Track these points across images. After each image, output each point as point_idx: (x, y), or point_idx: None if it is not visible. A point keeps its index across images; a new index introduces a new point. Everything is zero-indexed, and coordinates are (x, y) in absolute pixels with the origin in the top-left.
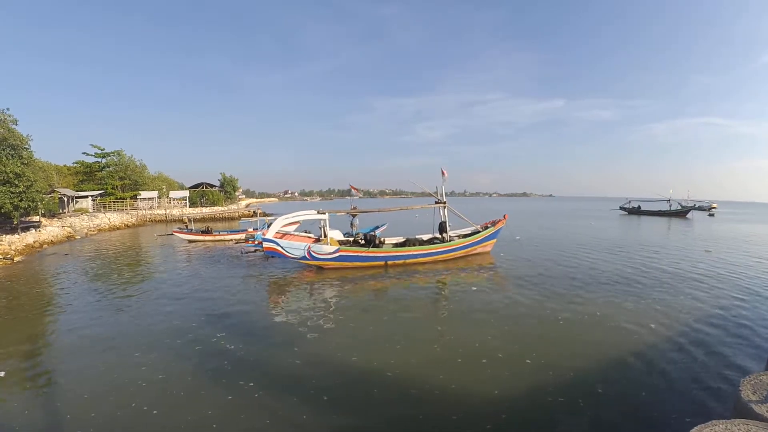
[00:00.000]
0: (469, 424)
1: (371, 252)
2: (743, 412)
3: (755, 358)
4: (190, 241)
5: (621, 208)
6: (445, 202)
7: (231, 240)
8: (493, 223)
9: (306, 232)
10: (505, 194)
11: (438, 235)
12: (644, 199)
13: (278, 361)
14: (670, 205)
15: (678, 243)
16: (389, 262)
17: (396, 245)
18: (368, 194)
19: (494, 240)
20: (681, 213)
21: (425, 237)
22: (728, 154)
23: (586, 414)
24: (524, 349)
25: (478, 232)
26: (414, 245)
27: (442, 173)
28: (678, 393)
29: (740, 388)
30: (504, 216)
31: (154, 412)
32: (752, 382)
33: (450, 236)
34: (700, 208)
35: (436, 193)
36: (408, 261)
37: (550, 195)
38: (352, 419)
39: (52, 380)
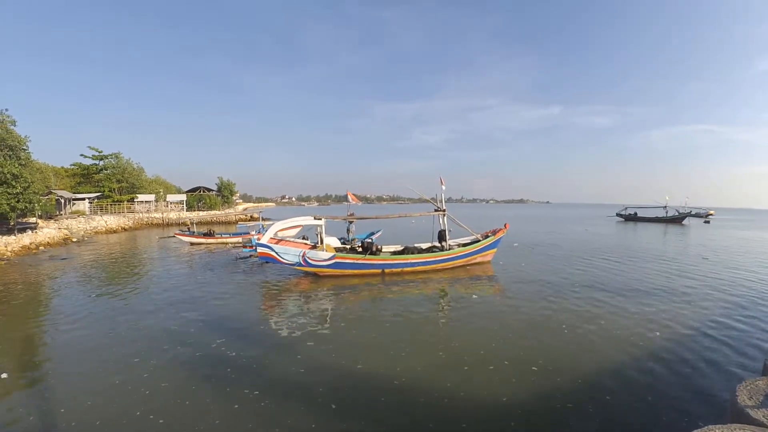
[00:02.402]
0: (481, 431)
1: (368, 259)
2: (739, 417)
3: (751, 363)
4: (192, 244)
5: (618, 214)
6: (444, 210)
7: (232, 243)
8: (494, 232)
9: (304, 238)
10: (503, 200)
11: (437, 244)
12: (641, 205)
13: (281, 369)
14: (667, 212)
15: (675, 250)
16: (386, 270)
17: (394, 253)
18: (365, 200)
19: (495, 249)
20: (677, 219)
21: (424, 245)
22: (725, 161)
23: (596, 420)
24: (530, 356)
25: (479, 241)
26: (412, 253)
27: (441, 182)
28: (677, 398)
29: (736, 394)
30: (505, 225)
31: (161, 420)
32: (748, 387)
33: (449, 245)
34: (697, 215)
35: (435, 200)
36: (406, 269)
37: (547, 201)
38: (361, 426)
39: (53, 384)
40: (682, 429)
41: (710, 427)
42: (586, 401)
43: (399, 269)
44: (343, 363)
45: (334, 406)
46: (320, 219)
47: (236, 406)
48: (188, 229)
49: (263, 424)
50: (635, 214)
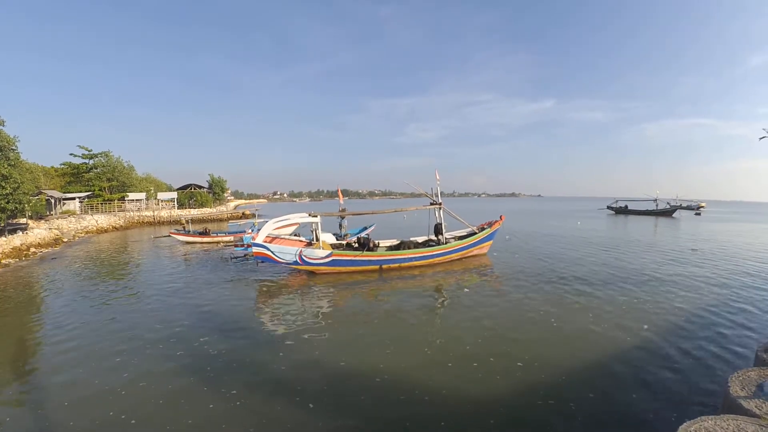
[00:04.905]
0: (457, 429)
1: (365, 256)
2: (732, 407)
3: (743, 354)
4: (187, 243)
5: (608, 207)
6: (440, 204)
7: (226, 242)
8: (490, 224)
9: (296, 236)
10: (495, 194)
11: (433, 237)
12: (632, 198)
13: (263, 367)
14: (657, 205)
15: (665, 242)
16: (384, 266)
17: (390, 248)
18: (357, 195)
19: (491, 242)
20: (667, 212)
21: (420, 239)
22: (720, 155)
23: (578, 417)
24: (516, 352)
25: (474, 233)
26: (409, 248)
27: (436, 176)
28: (668, 391)
29: (729, 384)
30: (500, 217)
31: (132, 421)
32: (740, 378)
33: (446, 238)
34: (689, 208)
35: (431, 194)
36: (403, 264)
37: (539, 195)
38: (337, 425)
39: (34, 386)
40: (672, 423)
41: (702, 418)
42: (570, 398)
43: (397, 265)
44: (327, 361)
45: (311, 405)
46: (316, 216)
47: (211, 406)
48: (183, 228)
49: (238, 424)
50: (626, 207)
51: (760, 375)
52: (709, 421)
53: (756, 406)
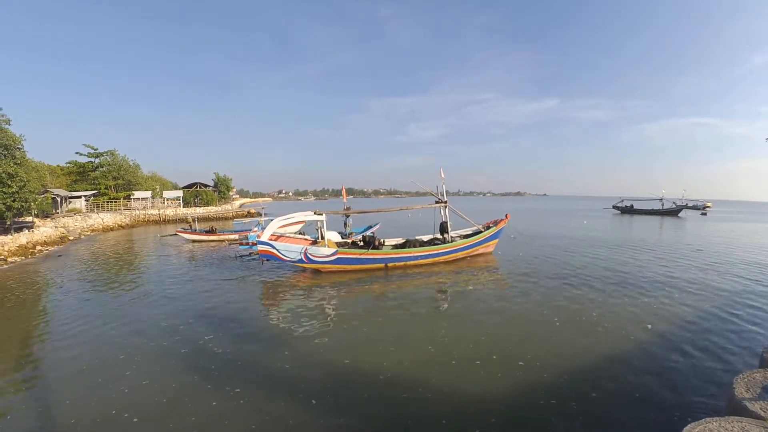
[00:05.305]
0: (458, 428)
1: (371, 254)
2: (737, 409)
3: (748, 355)
4: (194, 241)
5: (614, 207)
6: (446, 202)
7: (233, 240)
8: (495, 223)
9: (301, 234)
10: (499, 193)
11: (439, 236)
12: (637, 198)
13: (267, 365)
14: (663, 204)
15: (670, 242)
16: (389, 264)
17: (396, 246)
18: (362, 194)
19: (496, 240)
20: (673, 212)
21: (425, 238)
22: (721, 155)
23: (579, 417)
24: (519, 351)
25: (480, 232)
26: (414, 246)
27: (441, 174)
28: (672, 392)
29: (734, 386)
30: (506, 215)
31: (135, 420)
32: (746, 379)
33: (451, 237)
34: (695, 207)
35: (436, 192)
36: (409, 263)
37: (544, 194)
38: (338, 423)
39: (36, 383)
40: (676, 424)
41: (707, 419)
42: (571, 397)
43: (402, 263)
44: (330, 359)
45: (314, 402)
46: (321, 214)
47: (214, 403)
48: (189, 226)
49: (240, 421)
50: (631, 206)
51: (765, 377)
52: (714, 423)
53: (761, 408)
